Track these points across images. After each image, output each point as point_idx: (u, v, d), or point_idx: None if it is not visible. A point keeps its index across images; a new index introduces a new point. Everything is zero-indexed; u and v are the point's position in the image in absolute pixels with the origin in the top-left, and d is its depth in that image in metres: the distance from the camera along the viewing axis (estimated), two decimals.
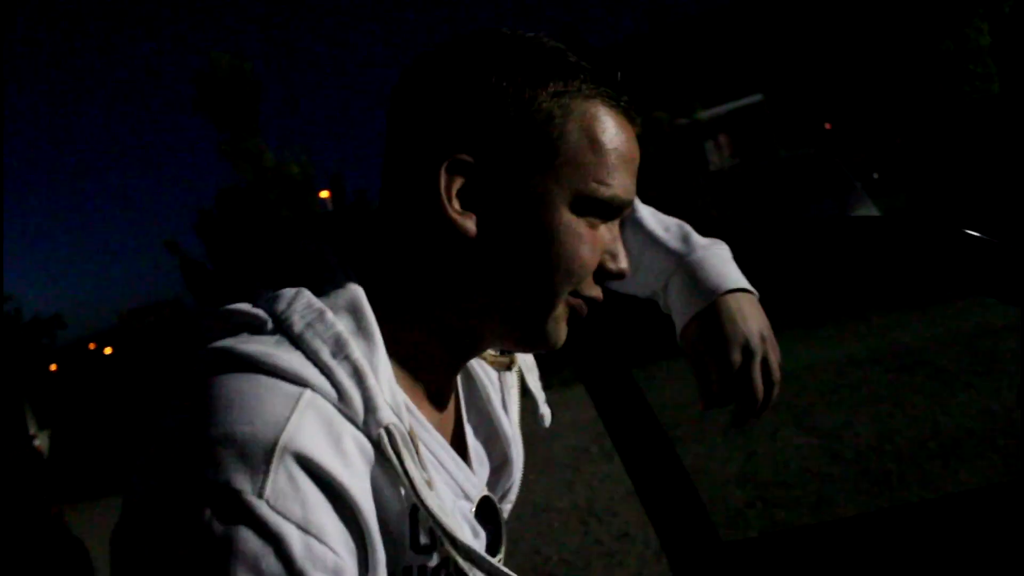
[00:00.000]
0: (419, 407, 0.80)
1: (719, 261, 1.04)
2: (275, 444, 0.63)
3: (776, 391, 0.99)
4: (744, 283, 1.02)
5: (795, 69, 25.51)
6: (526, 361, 1.03)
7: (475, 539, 0.83)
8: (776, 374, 0.99)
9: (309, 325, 0.72)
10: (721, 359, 0.97)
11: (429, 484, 0.72)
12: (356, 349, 0.71)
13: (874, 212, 8.78)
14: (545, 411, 1.04)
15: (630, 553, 3.98)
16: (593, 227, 0.79)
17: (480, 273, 0.78)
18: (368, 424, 0.69)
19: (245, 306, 0.75)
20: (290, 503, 0.62)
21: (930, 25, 14.13)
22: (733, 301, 1.00)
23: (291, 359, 0.69)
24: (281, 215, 22.17)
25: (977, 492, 1.68)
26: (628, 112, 0.81)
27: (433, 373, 0.83)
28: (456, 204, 0.76)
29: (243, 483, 0.61)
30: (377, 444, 0.69)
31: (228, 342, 0.71)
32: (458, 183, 0.76)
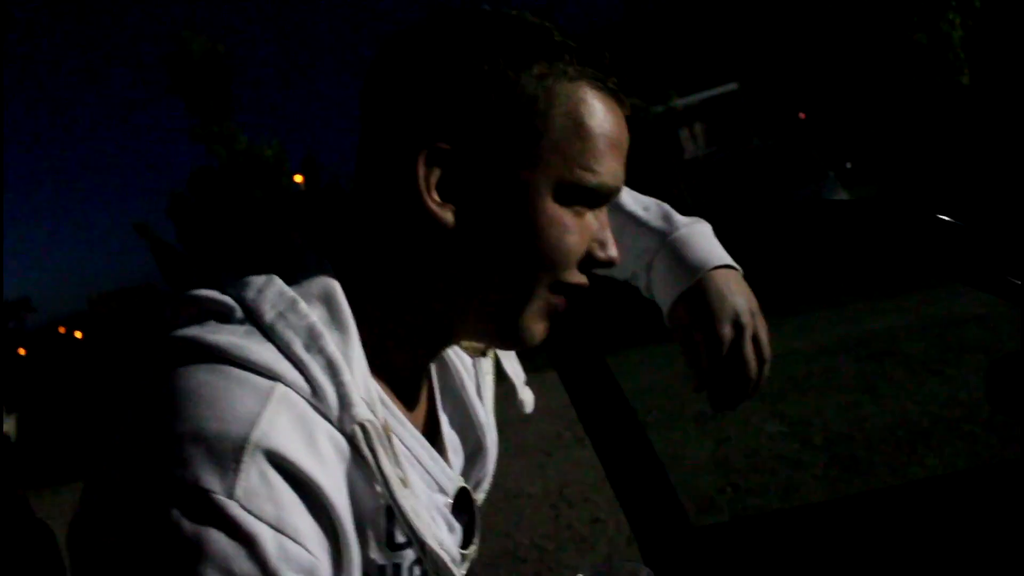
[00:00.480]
0: (393, 400, 0.78)
1: (703, 238, 1.02)
2: (246, 441, 0.60)
3: (767, 368, 0.97)
4: (729, 259, 1.01)
5: (770, 59, 25.60)
6: None
7: (450, 534, 0.81)
8: (767, 350, 0.97)
9: (281, 315, 0.69)
10: (711, 335, 0.95)
11: (404, 482, 0.70)
12: (330, 342, 0.69)
13: (846, 199, 8.84)
14: (525, 396, 1.01)
15: (601, 538, 4.00)
16: (579, 215, 0.76)
17: (459, 265, 0.75)
18: (342, 420, 0.66)
19: (212, 292, 0.72)
20: (262, 502, 0.60)
21: (904, 18, 14.24)
22: (720, 277, 0.98)
23: (262, 351, 0.66)
24: (254, 197, 21.98)
25: (943, 479, 1.69)
26: (617, 95, 0.77)
27: (408, 365, 0.81)
28: (435, 194, 0.73)
29: (213, 482, 0.59)
30: (351, 441, 0.67)
31: (194, 331, 0.68)
32: (437, 172, 0.73)
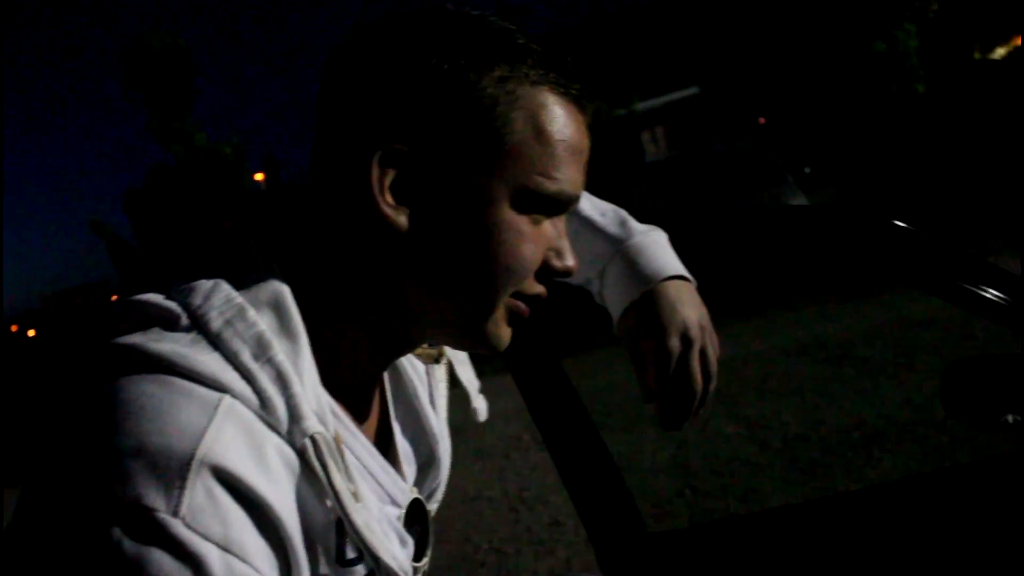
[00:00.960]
0: (345, 410, 0.75)
1: (657, 247, 1.00)
2: (191, 457, 0.58)
3: (713, 385, 0.96)
4: (683, 270, 0.99)
5: (731, 64, 25.87)
6: (457, 353, 0.98)
7: (402, 548, 0.79)
8: (713, 367, 0.95)
9: (228, 323, 0.66)
10: (659, 348, 0.94)
11: (355, 495, 0.67)
12: (280, 351, 0.66)
13: (805, 203, 8.96)
14: (479, 404, 0.99)
15: (560, 541, 3.99)
16: (537, 223, 0.74)
17: (415, 271, 0.72)
18: (292, 434, 0.64)
19: (157, 297, 0.69)
20: (209, 521, 0.57)
21: (862, 27, 14.47)
22: (672, 288, 0.96)
23: (208, 361, 0.63)
24: (213, 195, 21.73)
25: (901, 482, 1.71)
26: (579, 100, 0.75)
27: (361, 374, 0.78)
28: (389, 197, 0.70)
29: (156, 500, 0.56)
30: (301, 454, 0.64)
31: (137, 338, 0.65)
32: (391, 175, 0.70)
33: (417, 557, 0.83)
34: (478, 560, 4.04)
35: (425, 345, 0.93)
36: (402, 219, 0.71)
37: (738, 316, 7.16)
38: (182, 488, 0.57)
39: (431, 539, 0.88)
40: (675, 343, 0.93)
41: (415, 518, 0.84)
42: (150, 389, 0.61)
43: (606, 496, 1.55)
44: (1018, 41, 17.16)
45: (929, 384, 4.59)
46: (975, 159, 11.62)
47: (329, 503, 0.65)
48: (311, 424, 0.64)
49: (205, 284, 0.69)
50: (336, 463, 0.66)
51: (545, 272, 0.77)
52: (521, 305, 0.77)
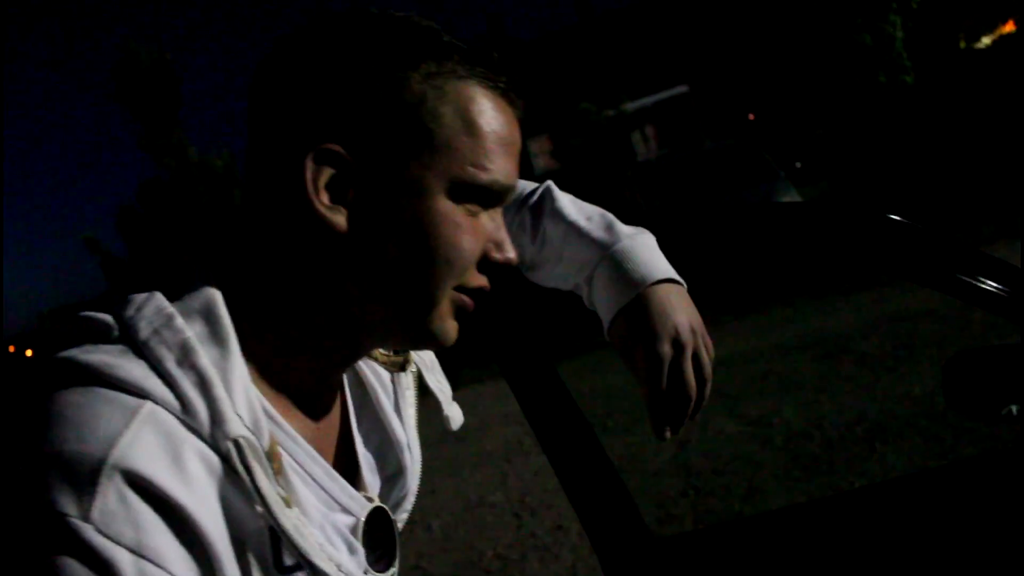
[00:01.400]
0: (288, 417, 0.74)
1: (645, 250, 0.99)
2: (103, 462, 0.58)
3: (708, 388, 0.95)
4: (672, 273, 0.98)
5: (719, 61, 25.91)
6: (424, 359, 0.97)
7: (352, 555, 0.77)
8: (707, 370, 0.94)
9: (156, 332, 0.67)
10: (650, 354, 0.92)
11: (288, 501, 0.67)
12: (204, 356, 0.66)
13: (798, 199, 8.96)
14: (452, 412, 0.97)
15: (565, 546, 3.97)
16: (473, 215, 0.75)
17: (355, 270, 0.73)
18: (216, 437, 0.64)
19: (96, 313, 0.70)
20: (120, 525, 0.57)
21: (848, 19, 14.50)
22: (661, 292, 0.95)
23: (132, 369, 0.64)
24: (205, 209, 21.69)
25: (907, 478, 1.69)
26: (507, 94, 0.77)
27: (306, 380, 0.77)
28: (325, 197, 0.71)
29: (68, 505, 0.57)
30: (226, 458, 0.64)
31: (72, 351, 0.66)
32: (326, 175, 0.71)
33: (383, 567, 0.82)
34: (483, 567, 4.03)
35: (389, 352, 0.92)
36: (339, 218, 0.71)
37: (735, 313, 7.16)
38: (93, 493, 0.57)
39: (399, 548, 0.86)
40: (666, 349, 0.92)
41: (377, 527, 0.82)
42: (75, 399, 0.62)
43: (607, 501, 1.53)
44: (1004, 29, 17.20)
45: (930, 377, 4.59)
46: (967, 149, 11.64)
47: (258, 508, 0.65)
48: (234, 427, 0.64)
49: (140, 296, 0.70)
50: (263, 467, 0.65)
51: (486, 265, 0.77)
52: (465, 298, 0.77)
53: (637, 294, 0.95)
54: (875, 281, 6.79)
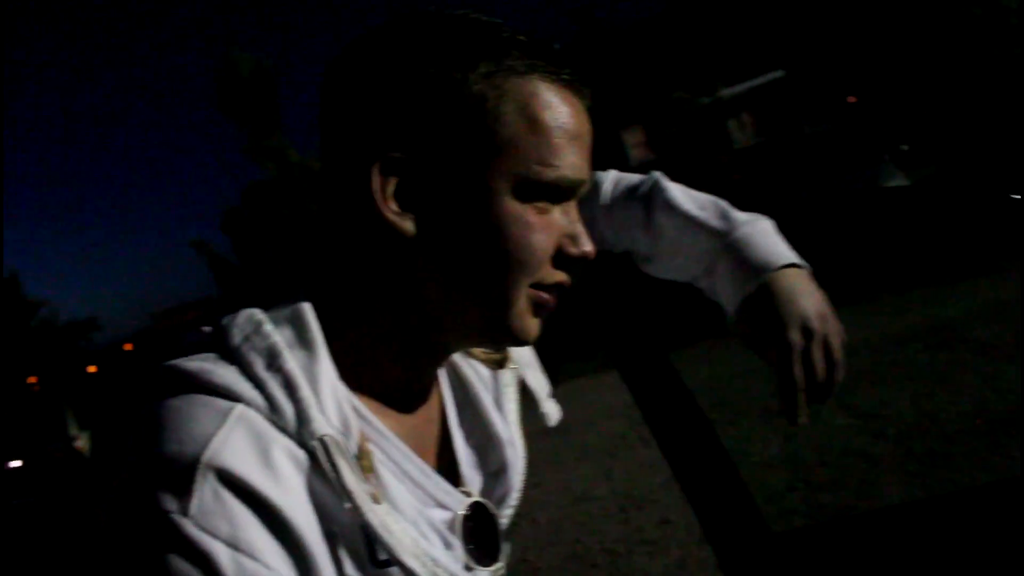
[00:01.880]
0: (381, 415, 0.76)
1: (765, 236, 0.98)
2: (198, 461, 0.62)
3: (840, 374, 0.93)
4: (795, 258, 0.96)
5: (816, 43, 25.15)
6: (523, 356, 0.97)
7: (447, 551, 0.78)
8: (838, 354, 0.93)
9: (246, 338, 0.71)
10: (780, 343, 0.91)
11: (376, 497, 0.69)
12: (290, 359, 0.70)
13: (905, 184, 8.65)
14: (549, 409, 0.97)
15: (672, 540, 3.95)
16: (544, 212, 0.74)
17: (429, 274, 0.74)
18: (303, 436, 0.67)
19: (209, 325, 0.75)
20: (216, 520, 0.61)
21: None
22: (787, 278, 0.94)
23: (225, 374, 0.68)
24: (309, 210, 22.26)
25: None
26: (572, 85, 0.75)
27: (396, 378, 0.79)
28: (393, 205, 0.72)
29: (170, 502, 0.61)
30: (313, 456, 0.67)
31: (176, 360, 0.71)
32: (393, 182, 0.72)
33: (487, 562, 0.83)
34: (590, 561, 4.04)
35: (488, 349, 0.93)
36: (408, 225, 0.72)
37: (841, 302, 6.95)
38: (190, 490, 0.61)
39: (503, 543, 0.87)
40: (796, 336, 0.91)
41: (479, 523, 0.83)
42: (176, 404, 0.66)
43: (724, 494, 1.52)
44: None
45: None
46: None
47: (347, 504, 0.67)
48: (319, 426, 0.67)
49: (241, 309, 0.75)
50: (349, 464, 0.67)
51: (563, 260, 0.77)
52: (544, 295, 0.77)
53: (762, 282, 0.94)
54: (989, 267, 6.50)
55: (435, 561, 0.72)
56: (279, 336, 0.72)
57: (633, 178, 1.13)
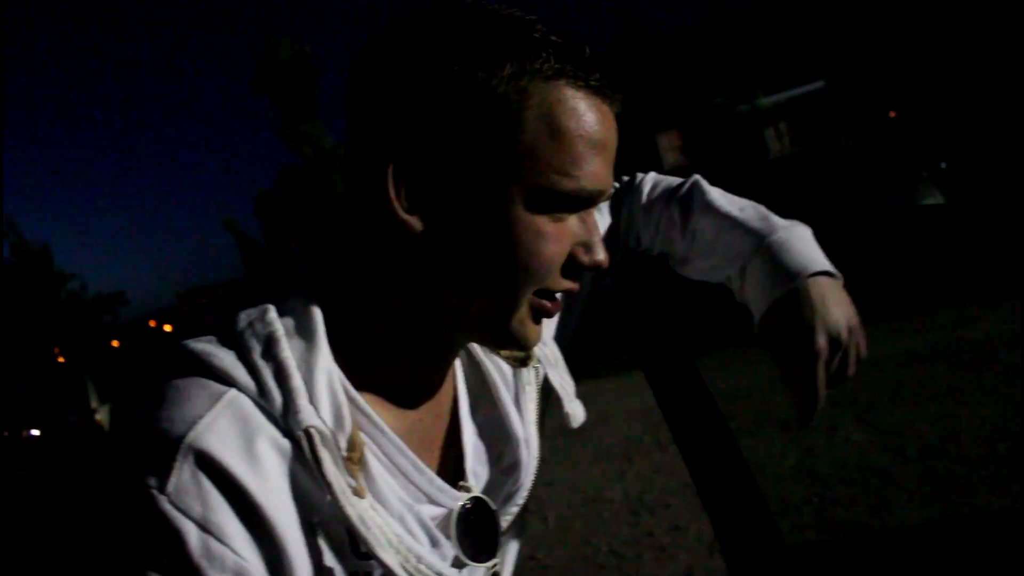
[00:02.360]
0: (380, 408, 0.76)
1: (802, 242, 0.97)
2: (182, 441, 0.63)
3: (848, 383, 0.94)
4: (829, 266, 0.95)
5: (859, 55, 24.90)
6: (548, 355, 0.96)
7: (433, 548, 0.78)
8: (852, 369, 0.93)
9: (250, 324, 0.72)
10: (806, 350, 0.90)
11: (359, 491, 0.69)
12: (287, 348, 0.71)
13: (940, 202, 8.55)
14: (573, 409, 0.96)
15: (682, 547, 3.92)
16: (559, 220, 0.73)
17: (436, 274, 0.73)
18: (290, 425, 0.67)
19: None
20: (190, 500, 0.62)
21: (1004, 8, 13.69)
22: (819, 286, 0.92)
23: (224, 358, 0.69)
24: (339, 197, 22.38)
25: None
26: (600, 91, 0.73)
27: (399, 373, 0.79)
28: (405, 203, 0.71)
29: (150, 478, 0.63)
30: (299, 446, 0.67)
31: (187, 340, 0.73)
32: (408, 181, 0.71)
33: (484, 558, 0.82)
34: (598, 562, 4.02)
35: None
36: (418, 223, 0.72)
37: (868, 318, 6.88)
38: (170, 468, 0.63)
39: (501, 543, 0.87)
40: (823, 345, 0.90)
41: (479, 518, 0.83)
42: (178, 383, 0.69)
43: (741, 503, 1.50)
44: None
45: None
46: None
47: (327, 496, 0.68)
48: (305, 417, 0.67)
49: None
50: (333, 456, 0.68)
51: (573, 267, 0.76)
52: (546, 303, 0.76)
53: (793, 287, 0.93)
54: (1019, 291, 6.40)
55: (418, 558, 0.73)
56: (281, 324, 0.72)
57: (672, 180, 1.13)
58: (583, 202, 0.74)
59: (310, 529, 0.68)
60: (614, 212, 1.14)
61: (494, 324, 0.75)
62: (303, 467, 0.68)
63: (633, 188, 1.13)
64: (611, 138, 0.74)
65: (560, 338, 1.03)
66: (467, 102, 0.69)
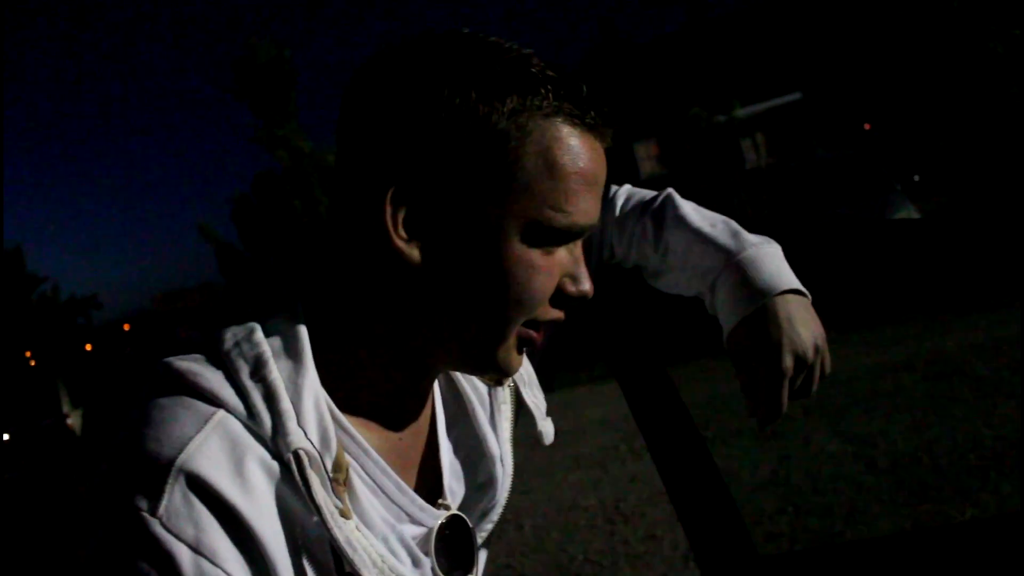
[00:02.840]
0: (364, 429, 0.77)
1: (771, 260, 0.98)
2: (172, 463, 0.63)
3: (810, 397, 0.97)
4: (797, 284, 0.97)
5: (835, 68, 25.16)
6: (523, 374, 0.97)
7: (415, 568, 0.79)
8: (815, 386, 0.96)
9: (237, 344, 0.72)
10: (772, 367, 0.92)
11: (345, 512, 0.70)
12: (275, 370, 0.71)
13: (914, 215, 8.64)
14: (545, 428, 0.97)
15: (656, 555, 3.93)
16: (549, 253, 0.74)
17: (428, 301, 0.74)
18: (279, 447, 0.67)
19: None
20: (183, 523, 0.62)
21: (977, 27, 13.89)
22: (786, 304, 0.94)
23: (211, 378, 0.69)
24: (319, 203, 22.29)
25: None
26: (595, 128, 0.75)
27: (381, 395, 0.79)
28: (402, 232, 0.72)
29: (141, 500, 0.62)
30: (288, 468, 0.68)
31: (172, 357, 0.72)
32: (405, 208, 0.72)
33: (460, 573, 0.84)
34: (573, 571, 4.02)
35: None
36: (414, 253, 0.72)
37: (841, 329, 6.94)
38: (161, 491, 0.63)
39: (478, 556, 0.88)
40: (788, 363, 0.92)
41: (456, 535, 0.84)
42: (164, 402, 0.68)
43: (714, 513, 1.51)
44: None
45: None
46: None
47: (315, 518, 0.68)
48: (294, 439, 0.67)
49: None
50: (321, 479, 0.68)
51: (561, 298, 0.77)
52: (532, 333, 0.77)
53: (762, 304, 0.94)
54: (991, 303, 6.48)
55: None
56: (268, 345, 0.72)
57: (646, 193, 1.14)
58: (573, 236, 0.76)
59: (297, 550, 0.68)
60: None
61: (480, 352, 0.76)
62: (290, 488, 0.68)
63: (607, 201, 1.14)
64: (602, 174, 0.77)
65: (531, 354, 1.04)
66: (467, 135, 0.70)
